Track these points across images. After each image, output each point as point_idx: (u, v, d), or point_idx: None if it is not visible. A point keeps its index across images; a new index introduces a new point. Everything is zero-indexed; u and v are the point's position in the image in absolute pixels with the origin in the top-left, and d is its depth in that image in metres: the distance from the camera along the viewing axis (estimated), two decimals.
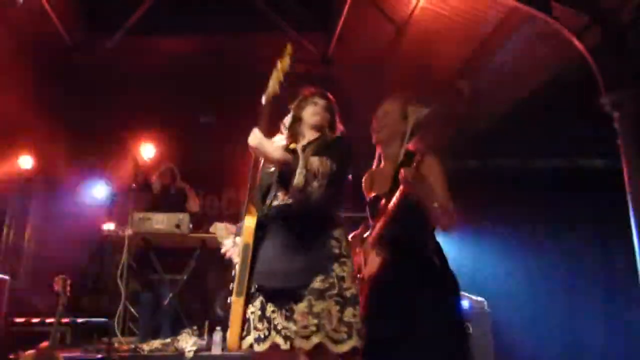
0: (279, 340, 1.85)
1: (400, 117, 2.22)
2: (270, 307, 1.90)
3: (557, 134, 5.43)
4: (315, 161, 1.91)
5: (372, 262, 2.08)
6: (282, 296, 1.89)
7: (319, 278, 1.87)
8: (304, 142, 2.14)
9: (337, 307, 1.85)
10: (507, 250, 5.46)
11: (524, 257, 5.61)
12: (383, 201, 2.11)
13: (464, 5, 4.72)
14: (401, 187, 2.00)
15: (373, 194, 2.27)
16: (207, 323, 4.67)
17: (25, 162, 5.95)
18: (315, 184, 1.87)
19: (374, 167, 2.41)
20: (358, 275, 2.14)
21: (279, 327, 1.86)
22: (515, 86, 5.16)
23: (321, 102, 2.19)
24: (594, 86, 3.91)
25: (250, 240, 1.93)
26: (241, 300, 1.89)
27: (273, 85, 2.02)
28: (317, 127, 2.16)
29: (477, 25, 4.84)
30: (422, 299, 1.94)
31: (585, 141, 5.51)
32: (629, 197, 3.72)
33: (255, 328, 1.90)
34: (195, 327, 4.58)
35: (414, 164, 1.98)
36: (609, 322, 5.41)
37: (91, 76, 6.19)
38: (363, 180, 2.41)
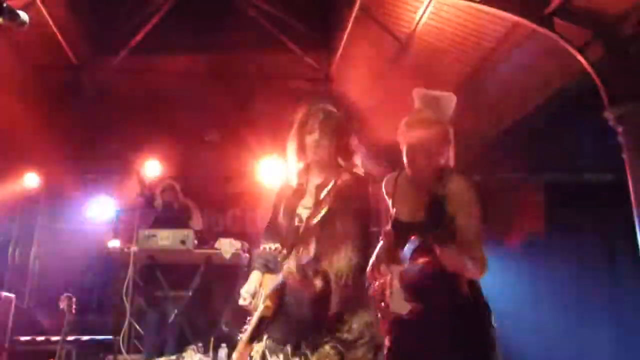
0: None
1: (442, 134, 1.99)
2: (280, 358, 1.90)
3: (561, 148, 5.43)
4: (343, 274, 1.83)
5: (399, 301, 1.92)
6: (302, 346, 1.87)
7: (345, 327, 1.84)
8: (314, 178, 2.02)
9: (371, 355, 1.84)
10: (512, 264, 5.42)
11: (530, 271, 5.58)
12: (421, 242, 1.87)
13: (466, 21, 4.75)
14: (428, 260, 1.87)
15: (400, 217, 2.01)
16: (212, 339, 4.65)
17: (31, 180, 5.97)
18: (346, 292, 1.85)
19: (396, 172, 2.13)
20: (382, 304, 2.00)
21: None
22: (519, 101, 5.18)
23: (321, 129, 1.97)
24: (599, 100, 3.92)
25: (270, 317, 1.92)
26: (250, 347, 1.93)
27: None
28: (323, 165, 2.01)
29: (480, 41, 4.87)
30: (452, 338, 1.83)
31: (590, 155, 5.50)
32: (634, 211, 3.70)
33: None
34: (200, 344, 4.56)
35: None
36: (615, 332, 5.35)
37: (96, 95, 6.26)
38: (384, 183, 2.14)
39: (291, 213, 1.99)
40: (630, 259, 3.80)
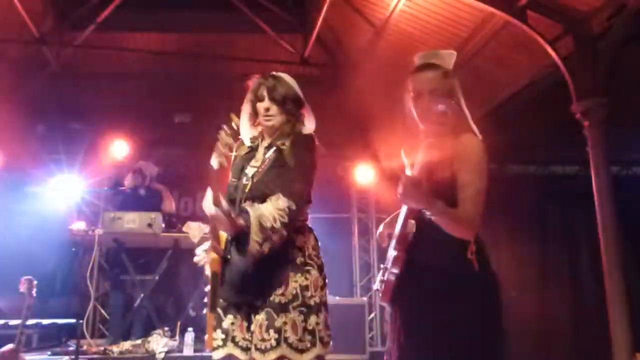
0: (236, 351, 1.87)
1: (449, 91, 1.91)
2: (229, 319, 1.91)
3: (530, 140, 5.55)
4: (269, 216, 1.81)
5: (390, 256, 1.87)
6: (241, 308, 1.90)
7: (279, 291, 1.87)
8: (265, 141, 2.06)
9: (302, 317, 1.86)
10: None
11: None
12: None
13: (441, 10, 4.77)
14: (406, 207, 1.80)
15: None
16: (179, 324, 4.62)
17: None
18: (274, 238, 1.82)
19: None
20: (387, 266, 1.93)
21: (237, 339, 1.88)
22: (489, 92, 5.25)
23: (271, 96, 2.00)
24: (567, 94, 4.00)
25: (218, 269, 1.91)
26: (213, 315, 1.92)
27: (219, 156, 1.84)
28: (273, 130, 2.04)
29: (454, 30, 4.90)
30: (455, 312, 1.74)
31: (558, 148, 5.65)
32: (596, 203, 3.82)
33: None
34: (167, 328, 4.53)
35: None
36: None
37: (61, 71, 6.03)
38: (402, 153, 2.06)
39: (240, 171, 2.04)
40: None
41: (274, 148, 2.01)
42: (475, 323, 1.74)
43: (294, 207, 1.85)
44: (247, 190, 1.97)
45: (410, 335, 1.83)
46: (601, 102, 3.89)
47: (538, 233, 5.99)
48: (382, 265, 2.00)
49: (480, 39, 4.82)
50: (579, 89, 3.97)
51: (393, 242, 1.92)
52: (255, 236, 1.80)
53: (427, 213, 1.79)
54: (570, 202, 5.82)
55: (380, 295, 1.97)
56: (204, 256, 2.00)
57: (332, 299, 4.55)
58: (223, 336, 1.91)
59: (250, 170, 2.02)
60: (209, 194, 1.87)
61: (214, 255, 1.92)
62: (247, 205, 1.89)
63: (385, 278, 1.92)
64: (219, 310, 1.93)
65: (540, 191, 6.04)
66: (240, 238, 1.86)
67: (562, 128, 4.52)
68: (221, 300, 1.93)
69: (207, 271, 1.98)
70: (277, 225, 1.82)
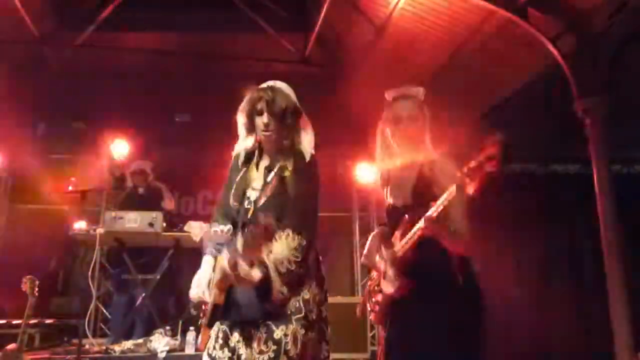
0: None
1: (422, 117, 2.10)
2: (235, 337, 1.90)
3: (531, 138, 5.53)
4: (284, 260, 1.81)
5: (390, 282, 1.99)
6: (246, 326, 1.90)
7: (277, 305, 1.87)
8: (264, 160, 2.04)
9: (303, 331, 1.86)
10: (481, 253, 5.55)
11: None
12: (406, 217, 1.96)
13: (442, 8, 4.75)
14: (420, 229, 1.88)
15: (391, 203, 2.15)
16: (180, 323, 4.62)
17: None
18: (293, 278, 1.83)
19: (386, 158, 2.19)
20: (376, 287, 2.10)
21: (243, 357, 1.87)
22: (489, 91, 5.23)
23: (270, 111, 1.97)
24: (568, 92, 3.99)
25: (221, 303, 1.92)
26: (208, 330, 1.94)
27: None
28: (271, 146, 2.02)
29: (455, 28, 4.89)
30: (441, 321, 1.88)
31: (559, 147, 5.63)
32: (598, 201, 3.81)
33: (214, 357, 1.91)
34: (168, 327, 4.53)
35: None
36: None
37: (62, 71, 6.03)
38: (380, 174, 2.27)
39: (241, 195, 2.01)
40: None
41: (275, 171, 1.98)
42: (458, 334, 1.86)
43: (304, 242, 1.85)
44: (249, 214, 1.95)
45: (395, 342, 1.96)
46: (602, 100, 3.88)
47: (538, 232, 5.97)
48: (369, 283, 2.16)
49: (481, 37, 4.80)
50: (580, 87, 3.96)
51: (382, 263, 2.05)
52: (278, 286, 1.81)
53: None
54: (571, 201, 5.80)
55: (373, 318, 2.12)
56: (201, 295, 1.97)
57: (333, 298, 4.54)
58: (230, 354, 1.89)
59: (252, 194, 1.99)
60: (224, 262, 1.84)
61: (216, 290, 1.92)
62: (263, 256, 1.83)
63: (379, 299, 2.06)
64: (225, 328, 1.93)
65: (541, 190, 6.02)
66: (258, 290, 1.84)
67: (563, 126, 4.51)
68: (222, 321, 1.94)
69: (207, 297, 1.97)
70: (293, 267, 1.82)
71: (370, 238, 2.24)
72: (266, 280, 1.80)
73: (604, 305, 3.74)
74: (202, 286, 1.97)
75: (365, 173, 6.17)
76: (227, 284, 1.89)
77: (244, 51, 6.18)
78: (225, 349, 1.90)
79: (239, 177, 2.05)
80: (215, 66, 6.21)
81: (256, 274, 1.80)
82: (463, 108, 5.22)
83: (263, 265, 1.82)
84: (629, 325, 3.61)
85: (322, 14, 5.24)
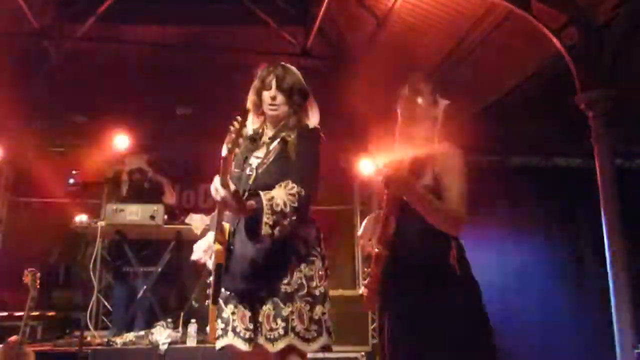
0: (237, 342, 1.86)
1: (432, 100, 2.06)
2: (229, 309, 1.91)
3: (534, 131, 5.51)
4: (279, 200, 1.80)
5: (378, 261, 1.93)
6: (243, 298, 1.90)
7: (284, 280, 1.87)
8: (269, 132, 2.05)
9: (308, 307, 1.87)
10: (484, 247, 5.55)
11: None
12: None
13: (444, 0, 4.72)
14: (386, 192, 1.88)
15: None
16: (181, 315, 4.64)
17: None
18: (284, 222, 1.81)
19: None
20: (366, 269, 2.07)
21: (238, 329, 1.88)
22: (492, 84, 5.21)
23: (278, 86, 2.00)
24: (572, 85, 3.96)
25: (222, 261, 1.89)
26: (215, 307, 1.91)
27: (230, 143, 1.81)
28: (278, 120, 2.05)
29: (458, 20, 4.86)
30: (440, 316, 1.84)
31: (561, 140, 5.61)
32: (600, 196, 3.79)
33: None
34: (169, 320, 4.55)
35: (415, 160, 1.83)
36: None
37: (63, 63, 6.00)
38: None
39: (243, 162, 2.02)
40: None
41: (279, 139, 1.99)
42: (459, 324, 1.82)
43: (303, 193, 1.85)
44: (251, 181, 1.96)
45: (399, 340, 1.90)
46: (606, 93, 3.85)
47: (540, 225, 5.96)
48: (365, 270, 2.07)
49: (484, 29, 4.77)
50: (583, 80, 3.93)
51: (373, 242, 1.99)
52: (267, 219, 1.79)
53: (409, 201, 1.86)
54: (573, 194, 5.78)
55: (366, 302, 2.03)
56: (202, 256, 1.99)
57: (334, 291, 4.54)
58: (223, 326, 1.91)
59: (254, 161, 2.01)
60: (216, 181, 1.84)
61: (217, 247, 1.91)
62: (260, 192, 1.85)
63: (367, 282, 1.99)
64: (220, 301, 1.92)
65: (543, 183, 6.00)
66: (248, 224, 1.85)
67: (565, 119, 4.49)
68: (223, 290, 1.93)
69: (209, 264, 1.97)
70: (288, 209, 1.81)
71: (366, 219, 2.24)
72: (258, 213, 1.80)
73: (606, 299, 3.74)
74: (200, 248, 2.00)
75: (367, 166, 6.15)
76: (222, 218, 1.89)
77: (245, 44, 6.14)
78: (219, 320, 1.92)
79: (242, 146, 2.05)
80: (216, 59, 6.18)
81: (251, 204, 1.81)
82: (465, 100, 5.20)
83: (256, 195, 1.83)
84: (631, 319, 3.60)
85: (324, 7, 5.20)
